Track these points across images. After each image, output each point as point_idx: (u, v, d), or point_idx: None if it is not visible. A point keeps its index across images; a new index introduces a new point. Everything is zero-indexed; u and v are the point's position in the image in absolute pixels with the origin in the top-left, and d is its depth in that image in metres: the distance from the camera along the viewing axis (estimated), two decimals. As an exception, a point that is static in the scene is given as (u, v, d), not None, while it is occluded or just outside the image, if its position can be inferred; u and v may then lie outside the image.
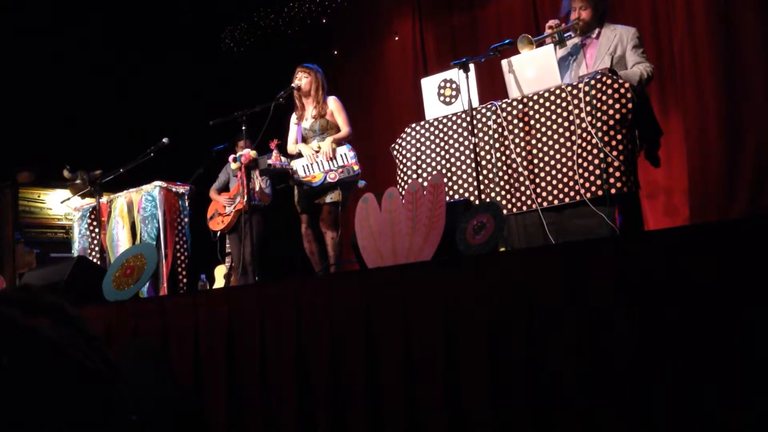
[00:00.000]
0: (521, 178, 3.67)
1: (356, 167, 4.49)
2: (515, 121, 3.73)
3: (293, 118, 4.95)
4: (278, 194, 5.42)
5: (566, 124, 3.57)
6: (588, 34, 4.06)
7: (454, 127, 3.95)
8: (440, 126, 4.01)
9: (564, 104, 3.58)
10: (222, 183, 6.02)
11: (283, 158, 4.67)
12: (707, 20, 5.12)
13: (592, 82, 3.50)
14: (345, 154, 4.52)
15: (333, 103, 4.78)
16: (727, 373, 1.71)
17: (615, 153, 3.40)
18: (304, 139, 4.78)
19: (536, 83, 3.76)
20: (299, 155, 4.71)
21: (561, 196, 3.55)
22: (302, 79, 4.78)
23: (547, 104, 3.64)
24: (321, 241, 4.70)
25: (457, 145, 3.93)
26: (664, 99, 5.58)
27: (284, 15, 7.93)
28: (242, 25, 8.23)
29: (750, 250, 1.74)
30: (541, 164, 3.62)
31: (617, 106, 3.41)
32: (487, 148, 3.81)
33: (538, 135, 3.64)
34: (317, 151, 4.56)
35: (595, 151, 3.45)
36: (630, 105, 3.40)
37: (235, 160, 4.77)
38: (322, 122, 4.71)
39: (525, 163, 3.67)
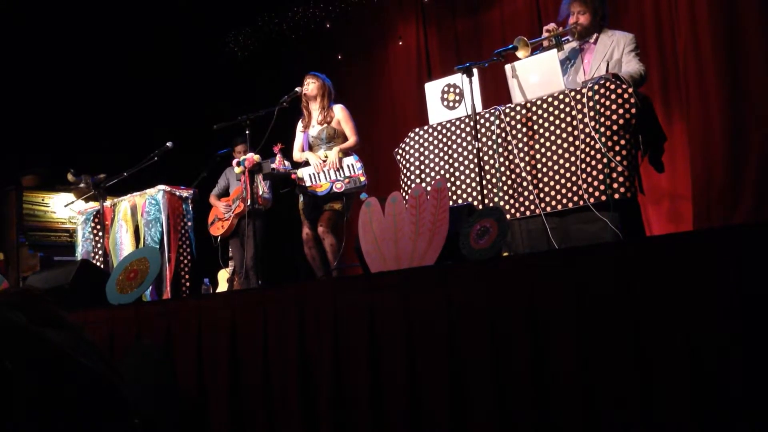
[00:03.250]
0: (524, 183, 3.67)
1: (363, 178, 4.51)
2: (518, 126, 3.73)
3: (299, 126, 4.97)
4: (281, 199, 5.42)
5: (569, 129, 3.57)
6: (586, 39, 4.06)
7: (458, 131, 3.95)
8: (444, 131, 4.01)
9: (567, 109, 3.58)
10: (221, 188, 6.03)
11: (286, 162, 4.69)
12: (711, 25, 5.11)
13: (596, 87, 3.50)
14: (352, 164, 4.54)
15: (340, 112, 4.79)
16: (729, 374, 1.71)
17: (618, 158, 3.40)
18: (311, 147, 4.79)
19: (540, 88, 3.76)
20: (305, 163, 4.73)
21: (564, 201, 3.55)
22: (309, 85, 4.82)
23: (551, 109, 3.64)
24: (322, 247, 4.71)
25: (460, 149, 3.93)
26: (668, 104, 5.57)
27: (288, 20, 7.93)
28: (246, 30, 8.25)
29: (753, 256, 1.74)
30: (545, 169, 3.62)
31: (621, 111, 3.41)
32: (490, 152, 3.81)
33: (542, 140, 3.64)
34: (324, 161, 4.57)
35: (598, 156, 3.45)
36: (633, 110, 3.40)
37: (239, 164, 4.78)
38: (329, 130, 4.73)
39: (528, 168, 3.67)
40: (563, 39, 4.10)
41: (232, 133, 5.65)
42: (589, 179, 3.47)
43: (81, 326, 1.38)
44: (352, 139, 4.74)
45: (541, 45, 4.09)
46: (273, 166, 4.57)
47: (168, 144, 5.07)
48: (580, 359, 1.94)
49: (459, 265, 2.55)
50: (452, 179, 3.92)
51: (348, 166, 4.54)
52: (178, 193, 5.37)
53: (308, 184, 4.62)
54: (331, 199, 4.60)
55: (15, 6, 6.61)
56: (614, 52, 3.93)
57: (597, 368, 1.92)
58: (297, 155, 4.89)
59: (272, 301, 2.76)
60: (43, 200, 6.84)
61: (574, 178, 3.52)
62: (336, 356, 2.49)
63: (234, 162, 5.05)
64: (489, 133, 3.83)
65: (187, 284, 5.33)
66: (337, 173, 4.55)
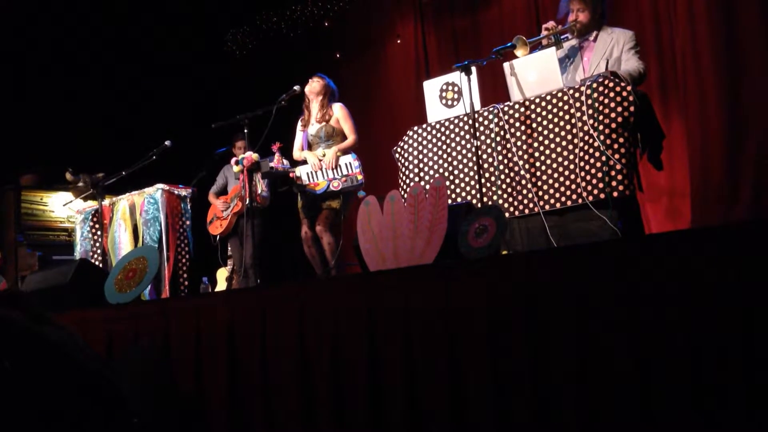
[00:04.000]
0: (523, 181, 3.67)
1: (360, 177, 4.52)
2: (517, 124, 3.73)
3: (299, 124, 4.98)
4: (279, 197, 5.42)
5: (568, 127, 3.56)
6: (586, 37, 4.05)
7: (456, 130, 3.95)
8: (442, 129, 4.01)
9: (566, 107, 3.58)
10: (220, 186, 6.03)
11: (285, 161, 4.69)
12: (709, 23, 5.11)
13: (594, 85, 3.50)
14: (350, 163, 4.55)
15: (339, 110, 4.80)
16: (729, 374, 1.71)
17: (617, 156, 3.40)
18: (310, 146, 4.80)
19: (538, 86, 3.76)
20: (305, 162, 4.73)
21: (563, 199, 3.55)
22: (313, 84, 4.85)
23: (549, 107, 3.64)
24: (321, 245, 4.71)
25: (459, 148, 3.93)
26: (666, 102, 5.57)
27: (287, 18, 7.93)
28: (245, 28, 8.24)
29: (751, 253, 1.74)
30: (543, 167, 3.62)
31: (619, 109, 3.41)
32: (489, 151, 3.81)
33: (540, 138, 3.64)
34: (321, 159, 4.58)
35: (597, 154, 3.45)
36: (632, 108, 3.40)
37: (237, 162, 4.78)
38: (328, 128, 4.74)
39: (527, 167, 3.66)
40: (562, 37, 4.09)
41: (231, 131, 5.65)
42: (588, 177, 3.47)
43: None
44: (350, 138, 4.75)
45: (540, 43, 4.08)
46: (271, 164, 4.57)
47: (166, 143, 5.07)
48: (580, 358, 1.94)
49: (458, 264, 2.55)
50: (451, 178, 3.92)
51: (346, 164, 4.55)
52: (176, 192, 5.37)
53: (306, 182, 4.62)
54: (328, 197, 4.60)
55: (15, 4, 6.60)
56: (614, 49, 3.92)
57: (596, 367, 1.92)
58: (296, 154, 4.90)
59: (271, 300, 2.76)
60: (41, 199, 6.84)
61: (572, 177, 3.52)
62: (335, 355, 2.49)
63: (233, 161, 5.05)
64: (488, 132, 3.82)
65: (186, 283, 5.33)
66: (335, 171, 4.55)
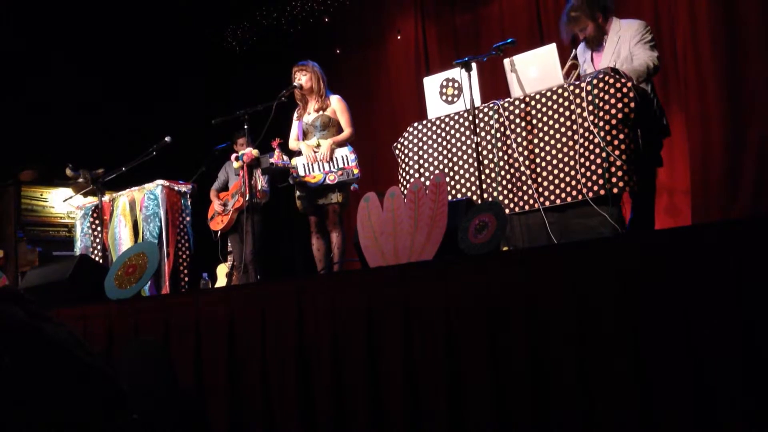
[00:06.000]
0: (523, 178, 3.67)
1: (356, 170, 4.48)
2: (517, 121, 3.72)
3: (295, 114, 4.96)
4: (279, 193, 5.42)
5: (568, 123, 3.56)
6: (600, 44, 4.03)
7: (456, 126, 3.95)
8: (442, 125, 4.01)
9: (566, 103, 3.58)
10: (222, 183, 6.04)
11: (284, 157, 4.67)
12: (710, 20, 5.10)
13: (595, 81, 3.49)
14: (346, 156, 4.51)
15: (337, 103, 4.76)
16: (728, 370, 1.71)
17: (617, 152, 3.40)
18: (305, 134, 4.76)
19: (538, 82, 3.75)
20: (300, 152, 4.72)
21: (563, 195, 3.55)
22: (301, 78, 4.78)
23: (550, 103, 3.63)
24: (326, 239, 4.70)
25: (459, 144, 3.92)
26: (666, 99, 5.56)
27: (287, 14, 7.93)
28: (244, 24, 8.24)
29: (751, 249, 1.74)
30: (543, 163, 3.62)
31: (619, 105, 3.41)
32: (489, 147, 3.81)
33: (541, 134, 3.64)
34: (316, 151, 4.56)
35: (597, 150, 3.45)
36: (632, 104, 3.40)
37: (237, 158, 4.77)
38: (324, 118, 4.70)
39: (527, 163, 3.66)
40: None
41: (231, 127, 5.65)
42: (588, 173, 3.46)
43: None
44: (347, 131, 4.71)
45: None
46: (271, 160, 4.56)
47: (166, 139, 5.05)
48: (580, 355, 1.94)
49: (457, 260, 2.55)
50: (451, 174, 3.92)
51: (342, 157, 4.51)
52: (176, 188, 5.37)
53: (301, 174, 4.59)
54: (329, 191, 4.56)
55: (15, 1, 6.60)
56: (621, 49, 3.89)
57: (596, 364, 1.92)
58: (292, 144, 4.88)
59: (271, 296, 2.76)
60: (41, 195, 6.83)
61: (573, 173, 3.52)
62: (335, 351, 2.49)
63: (233, 157, 5.04)
64: (488, 128, 3.82)
65: (186, 279, 5.33)
66: (330, 164, 4.52)
